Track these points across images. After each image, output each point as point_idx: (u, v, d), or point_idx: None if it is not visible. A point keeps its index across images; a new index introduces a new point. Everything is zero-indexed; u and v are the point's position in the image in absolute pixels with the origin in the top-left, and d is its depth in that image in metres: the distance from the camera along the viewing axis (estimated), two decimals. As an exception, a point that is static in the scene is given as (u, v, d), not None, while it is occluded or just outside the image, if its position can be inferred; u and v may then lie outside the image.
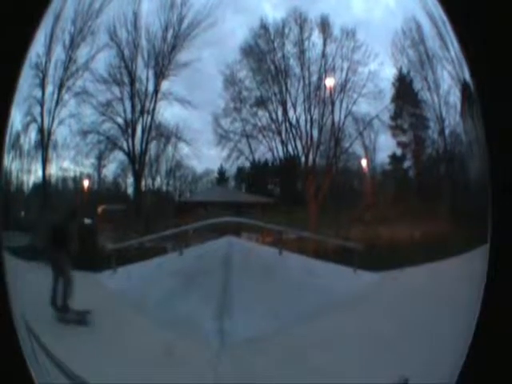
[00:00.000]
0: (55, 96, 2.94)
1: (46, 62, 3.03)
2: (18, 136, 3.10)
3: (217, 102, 2.78)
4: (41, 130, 2.95)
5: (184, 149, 2.74)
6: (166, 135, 2.81)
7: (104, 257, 2.83)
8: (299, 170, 2.74)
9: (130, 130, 2.98)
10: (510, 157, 2.18)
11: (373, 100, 3.04)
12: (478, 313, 2.55)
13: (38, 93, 3.02)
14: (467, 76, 3.16)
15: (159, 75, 2.99)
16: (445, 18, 2.86)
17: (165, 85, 2.97)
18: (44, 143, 2.95)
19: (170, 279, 2.62)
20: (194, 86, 2.88)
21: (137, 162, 2.91)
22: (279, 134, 2.75)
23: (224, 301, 2.50)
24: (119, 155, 2.96)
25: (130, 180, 2.89)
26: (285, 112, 2.77)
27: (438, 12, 3.05)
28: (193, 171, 2.74)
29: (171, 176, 2.74)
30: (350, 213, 2.75)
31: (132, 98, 3.00)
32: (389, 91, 3.10)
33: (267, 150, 2.72)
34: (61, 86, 2.95)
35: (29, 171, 2.97)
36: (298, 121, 2.77)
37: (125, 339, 2.64)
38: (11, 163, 3.14)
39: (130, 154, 2.93)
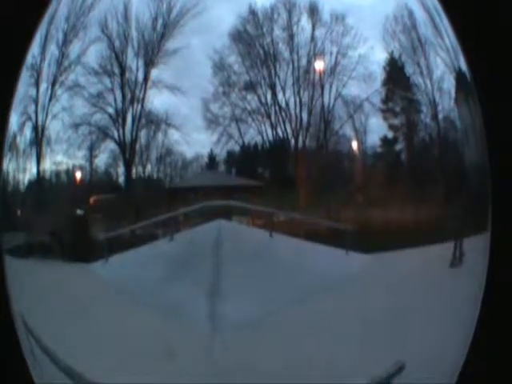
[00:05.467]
0: (49, 92, 2.97)
1: (40, 62, 3.06)
2: (14, 137, 3.11)
3: (206, 88, 2.81)
4: (35, 128, 2.96)
5: (174, 135, 2.76)
6: (155, 122, 2.81)
7: (96, 247, 2.83)
8: (289, 153, 2.74)
9: (120, 120, 2.97)
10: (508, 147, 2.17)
11: (363, 83, 3.05)
12: (478, 303, 2.53)
13: (32, 92, 3.04)
14: (463, 65, 3.13)
15: (149, 64, 3.00)
16: (439, 7, 2.84)
17: (154, 73, 2.98)
18: (38, 140, 2.95)
19: (161, 265, 2.63)
20: (183, 72, 2.90)
21: (127, 151, 2.91)
22: (268, 117, 2.77)
23: (215, 285, 2.50)
24: (110, 145, 2.98)
25: (121, 169, 2.88)
26: (274, 95, 2.79)
27: (433, 2, 3.03)
28: (183, 157, 2.75)
29: (161, 163, 2.76)
30: (341, 195, 2.75)
31: (122, 87, 3.01)
32: (379, 75, 3.11)
33: (257, 133, 2.76)
34: (54, 82, 2.98)
35: (24, 170, 2.98)
36: (287, 104, 2.80)
37: (118, 327, 2.64)
38: (9, 165, 3.14)
39: (120, 144, 2.94)
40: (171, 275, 2.63)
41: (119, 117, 3.05)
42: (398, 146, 3.20)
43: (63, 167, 3.11)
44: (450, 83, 3.15)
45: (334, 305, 2.62)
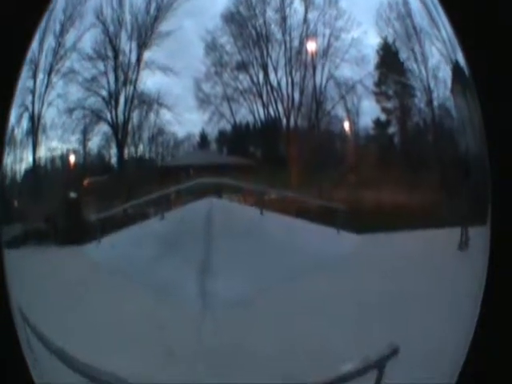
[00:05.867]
0: (45, 81, 2.99)
1: (38, 54, 3.05)
2: (13, 130, 3.11)
3: (198, 68, 2.81)
4: (32, 118, 2.96)
5: (165, 115, 2.75)
6: (148, 102, 2.81)
7: (89, 228, 2.83)
8: (281, 132, 2.74)
9: (113, 102, 2.98)
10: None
11: (356, 66, 3.05)
12: (477, 294, 2.52)
13: (30, 83, 3.04)
14: (461, 60, 3.11)
15: (142, 46, 3.00)
16: (436, 1, 2.83)
17: (147, 55, 2.97)
18: (34, 128, 2.96)
19: (153, 244, 2.63)
20: (176, 53, 2.90)
21: (120, 132, 2.90)
22: (260, 96, 2.78)
23: (206, 263, 2.50)
24: (103, 127, 2.98)
25: (114, 150, 2.88)
26: (266, 75, 2.79)
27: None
28: (174, 136, 2.75)
29: (153, 142, 2.76)
30: (332, 175, 2.75)
31: (115, 70, 3.01)
32: (373, 58, 3.10)
33: (248, 112, 2.75)
34: (50, 71, 2.98)
35: (21, 160, 2.99)
36: (279, 83, 2.81)
37: (110, 308, 2.64)
38: (7, 158, 3.16)
39: (113, 125, 2.93)
40: (162, 254, 2.63)
41: (112, 99, 3.05)
42: (391, 130, 3.20)
43: (58, 153, 3.11)
44: (445, 73, 3.13)
45: (325, 284, 2.62)
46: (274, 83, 2.82)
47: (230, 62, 2.85)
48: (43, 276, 2.91)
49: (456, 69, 3.16)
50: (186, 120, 2.80)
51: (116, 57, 3.11)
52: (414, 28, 3.14)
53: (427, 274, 2.83)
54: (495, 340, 2.18)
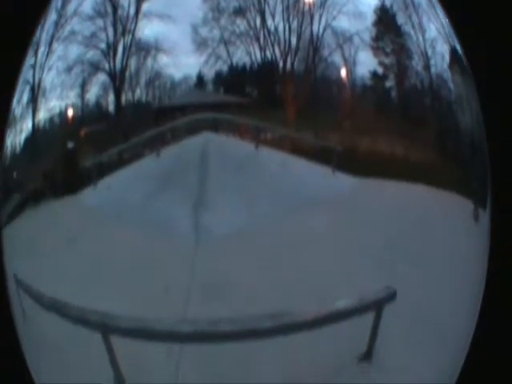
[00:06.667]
0: (46, 51, 2.96)
1: (40, 34, 3.07)
2: (13, 111, 3.14)
3: (195, 14, 2.80)
4: (32, 88, 2.97)
5: (163, 59, 2.75)
6: (145, 49, 2.81)
7: (85, 176, 2.83)
8: (277, 74, 2.75)
9: (111, 52, 2.98)
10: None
11: (353, 19, 3.04)
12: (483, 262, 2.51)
13: (31, 59, 3.05)
14: (458, 48, 3.15)
15: (140, -1, 3.00)
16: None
17: (145, 5, 2.98)
18: (34, 96, 2.97)
19: (148, 181, 2.63)
20: (174, 2, 2.89)
21: (117, 80, 2.91)
22: (257, 39, 2.77)
23: (200, 197, 2.50)
24: (101, 77, 2.97)
25: (111, 97, 2.88)
26: (263, 20, 2.79)
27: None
28: (171, 79, 2.75)
29: (150, 86, 2.74)
30: (328, 119, 2.75)
31: (115, 24, 3.01)
32: (370, 16, 3.09)
33: (245, 54, 2.75)
34: (51, 41, 2.97)
35: (21, 131, 2.98)
36: (276, 29, 2.79)
37: (105, 250, 2.64)
38: (8, 140, 3.18)
39: (111, 74, 2.93)
40: (157, 190, 2.64)
41: (110, 49, 3.06)
42: (389, 84, 3.20)
43: (56, 111, 3.12)
44: (443, 48, 3.14)
45: (321, 221, 2.62)
46: (271, 28, 2.85)
47: (228, 8, 2.88)
48: (38, 231, 2.90)
49: (454, 54, 3.17)
50: (183, 63, 2.83)
51: (115, 12, 3.13)
52: (413, 2, 3.16)
53: (429, 229, 2.81)
54: (495, 340, 2.17)
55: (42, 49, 3.16)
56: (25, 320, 2.91)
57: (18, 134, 3.12)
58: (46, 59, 3.12)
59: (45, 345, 2.92)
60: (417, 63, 3.14)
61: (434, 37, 3.19)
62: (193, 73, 2.83)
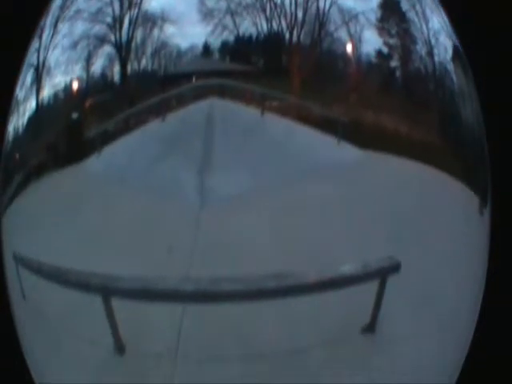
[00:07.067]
0: (51, 33, 2.96)
1: (45, 20, 3.08)
2: (17, 96, 3.13)
3: None
4: (36, 69, 2.96)
5: (169, 29, 2.75)
6: (152, 20, 2.82)
7: (88, 144, 2.82)
8: (283, 44, 2.76)
9: (117, 25, 2.99)
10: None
11: (359, 0, 3.06)
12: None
13: (36, 44, 3.06)
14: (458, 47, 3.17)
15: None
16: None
17: (152, -21, 2.99)
18: (39, 75, 2.96)
19: (153, 146, 2.64)
20: None
21: (123, 50, 2.91)
22: (264, 11, 2.78)
23: (205, 161, 2.50)
24: (107, 49, 2.97)
25: (117, 68, 2.88)
26: None
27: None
28: (177, 48, 2.76)
29: (156, 56, 2.75)
30: (333, 91, 2.75)
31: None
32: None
33: (252, 25, 2.76)
34: (56, 23, 2.98)
35: (24, 112, 2.96)
36: (282, 2, 2.81)
37: (107, 215, 2.63)
38: (10, 126, 3.16)
39: (117, 45, 2.94)
40: (162, 154, 2.64)
41: (116, 23, 3.07)
42: (393, 64, 3.21)
43: (61, 86, 3.11)
44: (446, 41, 3.16)
45: (327, 189, 2.62)
46: (278, 1, 2.88)
47: (235, -20, 2.91)
48: (40, 205, 2.88)
49: (455, 50, 3.19)
50: (189, 33, 2.84)
51: (122, -14, 3.15)
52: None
53: (432, 209, 2.80)
54: (495, 339, 2.16)
55: (46, 32, 3.16)
56: (24, 301, 2.88)
57: (21, 116, 3.11)
58: (51, 40, 3.12)
59: (44, 325, 2.89)
60: (421, 48, 3.16)
61: (437, 29, 3.22)
62: (199, 42, 2.85)
